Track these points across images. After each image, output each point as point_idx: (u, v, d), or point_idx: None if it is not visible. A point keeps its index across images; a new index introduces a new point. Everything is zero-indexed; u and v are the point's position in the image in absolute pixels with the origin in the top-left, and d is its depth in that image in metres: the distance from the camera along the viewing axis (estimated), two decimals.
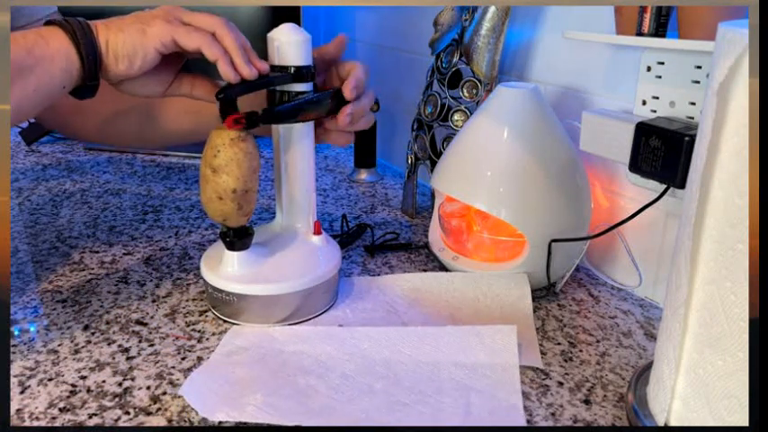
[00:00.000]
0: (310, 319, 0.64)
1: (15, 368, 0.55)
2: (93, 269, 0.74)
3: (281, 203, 0.68)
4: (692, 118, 0.61)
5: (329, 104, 0.63)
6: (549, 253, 0.67)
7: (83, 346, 0.59)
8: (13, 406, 0.50)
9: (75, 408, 0.51)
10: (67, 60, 0.53)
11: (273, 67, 0.60)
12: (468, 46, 0.79)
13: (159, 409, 0.51)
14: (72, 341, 0.60)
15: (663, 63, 0.62)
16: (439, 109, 0.84)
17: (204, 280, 0.63)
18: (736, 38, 0.37)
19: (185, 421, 0.50)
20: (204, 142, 0.58)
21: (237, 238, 0.60)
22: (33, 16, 0.70)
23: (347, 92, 0.62)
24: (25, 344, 0.59)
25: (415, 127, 0.90)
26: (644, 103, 0.65)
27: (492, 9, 0.76)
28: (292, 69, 0.60)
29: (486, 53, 0.78)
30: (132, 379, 0.54)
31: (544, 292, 0.71)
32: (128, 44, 0.54)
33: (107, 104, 0.75)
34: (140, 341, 0.60)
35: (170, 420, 0.50)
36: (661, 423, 0.46)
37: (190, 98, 0.62)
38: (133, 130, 0.79)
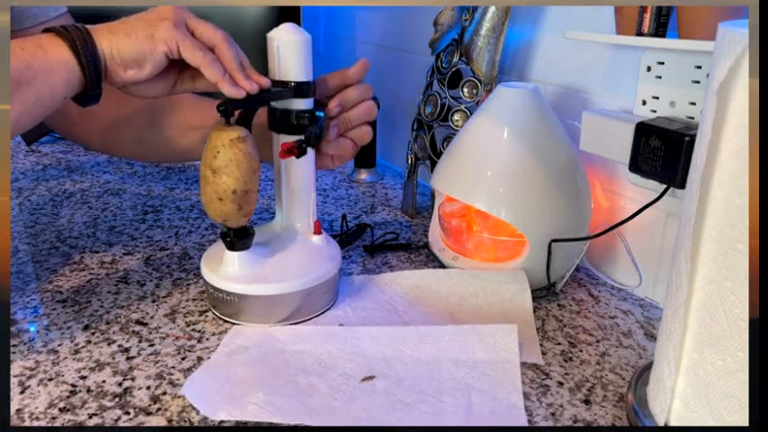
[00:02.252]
0: (311, 318, 0.64)
1: (15, 368, 0.55)
2: (93, 269, 0.74)
3: (281, 203, 0.68)
4: (692, 118, 0.61)
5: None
6: (549, 253, 0.67)
7: (83, 346, 0.59)
8: (13, 406, 0.50)
9: (75, 408, 0.51)
10: (68, 71, 0.52)
11: (274, 83, 0.60)
12: (468, 46, 0.79)
13: (159, 409, 0.51)
14: (72, 341, 0.60)
15: (663, 63, 0.62)
16: (439, 109, 0.84)
17: (205, 280, 0.63)
18: (736, 38, 0.37)
19: (185, 421, 0.50)
20: None
21: (238, 239, 0.60)
22: (39, 18, 0.69)
23: (331, 105, 0.63)
24: (25, 344, 0.59)
25: (415, 127, 0.90)
26: (644, 103, 0.65)
27: (492, 9, 0.76)
28: (293, 84, 0.60)
29: (486, 53, 0.78)
30: (132, 379, 0.54)
31: (544, 292, 0.71)
32: (135, 49, 0.54)
33: (112, 111, 0.74)
34: (140, 341, 0.60)
35: (170, 420, 0.50)
36: (661, 423, 0.46)
37: (193, 91, 0.61)
38: (137, 142, 0.77)
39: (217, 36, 0.56)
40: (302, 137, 0.60)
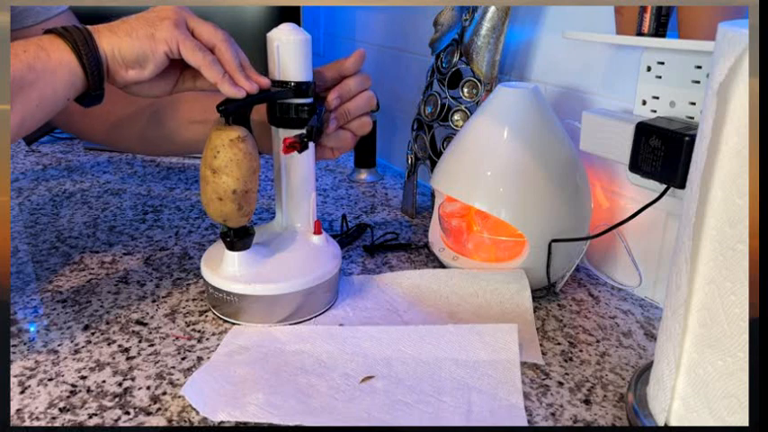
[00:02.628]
0: (311, 318, 0.64)
1: (15, 368, 0.55)
2: (93, 269, 0.74)
3: (280, 203, 0.68)
4: (692, 118, 0.61)
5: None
6: (549, 253, 0.67)
7: (83, 346, 0.59)
8: (13, 406, 0.50)
9: (75, 408, 0.51)
10: (70, 72, 0.52)
11: (274, 83, 0.60)
12: (468, 46, 0.79)
13: (159, 409, 0.51)
14: (72, 341, 0.60)
15: (663, 63, 0.62)
16: (439, 109, 0.84)
17: (205, 280, 0.63)
18: (736, 38, 0.37)
19: (185, 421, 0.50)
20: None
21: (238, 239, 0.60)
22: (41, 15, 0.69)
23: (330, 98, 0.63)
24: (25, 344, 0.59)
25: (415, 127, 0.90)
26: (644, 103, 0.65)
27: (492, 9, 0.76)
28: (293, 84, 0.60)
29: (486, 53, 0.78)
30: (132, 379, 0.54)
31: (544, 292, 0.71)
32: (136, 50, 0.54)
33: (115, 108, 0.74)
34: (140, 341, 0.60)
35: (170, 420, 0.50)
36: (661, 423, 0.46)
37: (195, 90, 0.61)
38: (140, 137, 0.77)
39: (217, 36, 0.56)
40: (303, 131, 0.60)
